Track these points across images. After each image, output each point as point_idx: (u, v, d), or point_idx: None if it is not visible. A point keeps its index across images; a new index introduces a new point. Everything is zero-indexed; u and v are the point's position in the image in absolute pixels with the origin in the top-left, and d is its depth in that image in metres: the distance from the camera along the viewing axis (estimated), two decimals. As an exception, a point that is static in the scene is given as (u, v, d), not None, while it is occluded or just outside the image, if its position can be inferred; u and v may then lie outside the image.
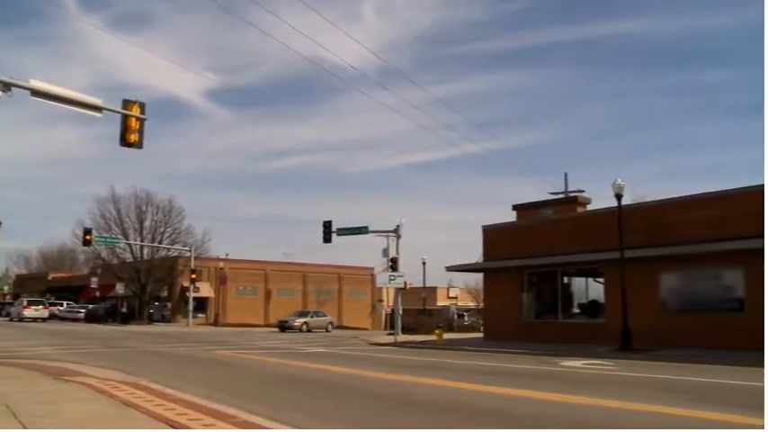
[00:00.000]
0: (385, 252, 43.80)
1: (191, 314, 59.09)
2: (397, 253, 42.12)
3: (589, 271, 29.18)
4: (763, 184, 22.77)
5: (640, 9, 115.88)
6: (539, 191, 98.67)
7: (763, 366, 16.89)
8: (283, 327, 49.43)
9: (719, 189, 24.25)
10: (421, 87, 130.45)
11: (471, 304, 72.00)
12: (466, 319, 60.48)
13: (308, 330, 49.57)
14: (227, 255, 67.35)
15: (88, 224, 61.53)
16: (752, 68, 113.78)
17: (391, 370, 17.24)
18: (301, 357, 21.62)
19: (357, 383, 14.23)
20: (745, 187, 23.31)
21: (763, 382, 11.75)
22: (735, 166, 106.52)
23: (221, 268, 64.93)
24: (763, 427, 6.83)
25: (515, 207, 33.73)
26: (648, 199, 33.03)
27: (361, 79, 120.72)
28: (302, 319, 51.20)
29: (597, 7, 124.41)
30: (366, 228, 42.98)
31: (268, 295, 72.28)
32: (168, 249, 65.41)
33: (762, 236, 21.41)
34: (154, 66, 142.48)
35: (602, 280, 27.67)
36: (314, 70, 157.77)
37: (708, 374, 15.45)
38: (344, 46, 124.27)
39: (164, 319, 64.17)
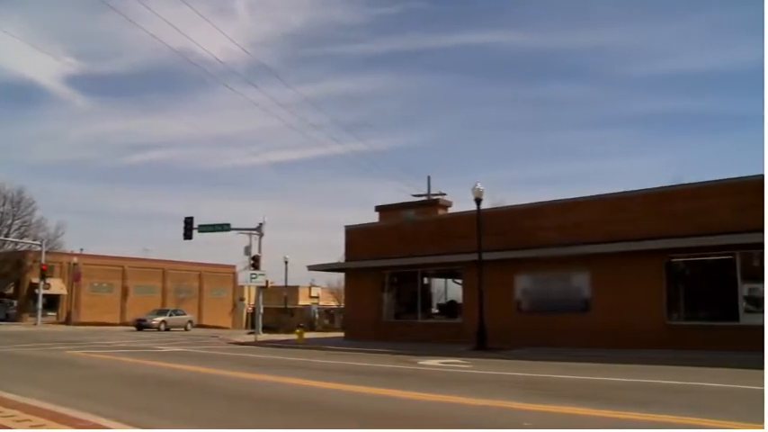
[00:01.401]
0: (247, 250, 43.25)
1: (39, 312, 55.39)
2: (260, 251, 41.66)
3: (448, 272, 29.94)
4: (609, 193, 24.35)
5: (506, 22, 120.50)
6: (402, 193, 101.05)
7: (598, 362, 17.99)
8: (141, 325, 47.91)
9: (570, 197, 25.60)
10: (290, 86, 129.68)
11: (333, 304, 72.11)
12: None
13: (167, 329, 48.36)
14: (81, 250, 64.22)
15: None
16: (604, 85, 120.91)
17: (250, 369, 16.94)
18: (158, 357, 20.92)
19: (214, 383, 13.86)
20: (593, 196, 24.84)
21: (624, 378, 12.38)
22: (584, 176, 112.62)
23: (75, 264, 61.79)
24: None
25: (378, 208, 34.07)
26: (506, 204, 34.46)
27: (229, 75, 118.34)
28: (160, 318, 49.83)
29: (465, 17, 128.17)
30: (228, 225, 42.24)
31: (125, 293, 69.41)
32: (16, 243, 61.14)
33: (606, 241, 22.85)
34: (7, 45, 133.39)
35: (460, 281, 28.43)
36: (182, 62, 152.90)
37: (557, 371, 16.06)
38: (214, 40, 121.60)
39: (8, 318, 59.82)
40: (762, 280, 20.65)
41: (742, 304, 20.60)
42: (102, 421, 7.68)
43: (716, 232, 20.59)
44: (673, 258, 22.41)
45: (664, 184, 24.95)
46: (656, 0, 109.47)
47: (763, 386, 12.36)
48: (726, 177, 21.93)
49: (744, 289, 20.71)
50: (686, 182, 26.19)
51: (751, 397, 11.29)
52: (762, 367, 15.82)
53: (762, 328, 19.82)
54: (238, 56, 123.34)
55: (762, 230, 19.66)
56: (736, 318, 20.58)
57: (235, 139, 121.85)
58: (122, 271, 69.96)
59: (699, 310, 22.20)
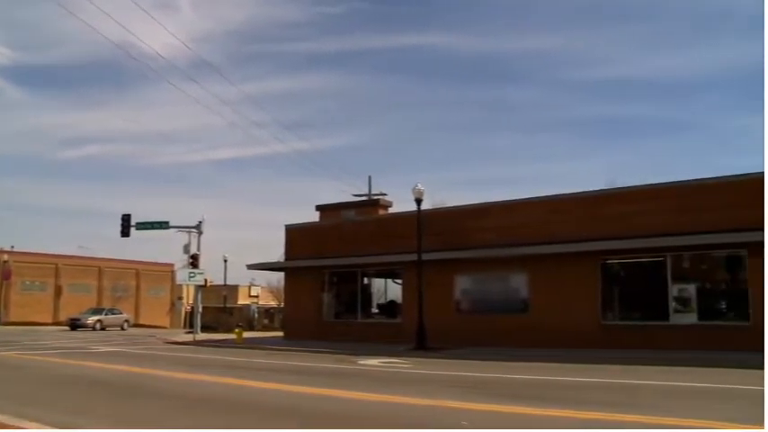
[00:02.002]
0: (186, 248, 42.50)
1: (-37, 311, 53.50)
2: (199, 250, 41.00)
3: (388, 272, 30.03)
4: (547, 196, 24.80)
5: (451, 25, 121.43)
6: (343, 193, 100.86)
7: (536, 361, 18.32)
8: (75, 325, 46.73)
9: (509, 199, 25.94)
10: (232, 83, 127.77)
11: (273, 303, 71.55)
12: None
13: (102, 329, 47.38)
14: (12, 247, 62.19)
15: None
16: (547, 90, 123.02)
17: (187, 369, 16.69)
18: (92, 357, 20.45)
19: (149, 383, 13.62)
20: (532, 198, 25.28)
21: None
22: (524, 178, 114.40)
23: (5, 261, 59.76)
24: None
25: (319, 207, 33.96)
26: (447, 205, 34.77)
27: (171, 70, 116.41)
28: (96, 317, 48.74)
29: (410, 19, 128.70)
30: (167, 223, 41.48)
31: (58, 291, 67.40)
32: (-60, 239, 58.94)
33: (544, 243, 23.28)
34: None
35: (400, 281, 28.55)
36: (122, 56, 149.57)
37: (496, 371, 16.26)
38: (156, 34, 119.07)
39: (-73, 318, 57.67)
40: (690, 281, 21.40)
41: (672, 304, 21.23)
42: (25, 423, 7.47)
43: (648, 235, 21.19)
44: (607, 260, 22.97)
45: (599, 188, 25.54)
46: (598, 9, 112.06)
47: (684, 383, 12.81)
48: (657, 182, 22.62)
49: (674, 290, 21.35)
50: (620, 185, 26.91)
51: (681, 394, 11.63)
52: (690, 364, 16.42)
53: (690, 327, 20.61)
54: (180, 51, 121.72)
55: (692, 233, 20.42)
56: (667, 317, 21.22)
57: (176, 136, 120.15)
58: (56, 269, 67.94)
59: (632, 310, 22.81)
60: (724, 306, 21.26)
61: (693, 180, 21.82)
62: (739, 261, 20.60)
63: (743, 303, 20.07)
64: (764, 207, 15.81)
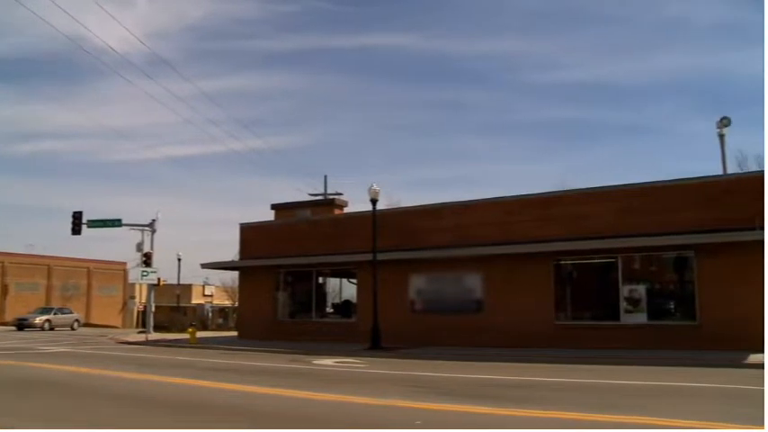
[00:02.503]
0: (139, 247, 41.89)
1: None
2: (152, 248, 40.47)
3: (343, 272, 29.98)
4: (502, 197, 25.03)
5: (409, 25, 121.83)
6: (299, 192, 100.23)
7: (491, 361, 18.47)
8: (22, 325, 45.65)
9: (464, 199, 26.09)
10: (187, 80, 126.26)
11: (227, 303, 70.96)
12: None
13: (51, 328, 46.36)
14: (-46, 244, 60.44)
15: None
16: (505, 92, 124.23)
17: (138, 369, 16.41)
18: (39, 358, 19.97)
19: (97, 383, 13.35)
20: (484, 199, 25.53)
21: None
22: (480, 179, 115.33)
23: (-53, 259, 58.22)
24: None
25: (274, 206, 33.76)
26: (402, 205, 34.86)
27: (125, 65, 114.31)
28: (44, 317, 47.66)
29: (368, 19, 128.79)
30: (120, 220, 40.77)
31: (4, 290, 65.62)
32: None
33: (498, 244, 23.49)
34: None
35: (355, 281, 28.53)
36: (74, 50, 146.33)
37: (450, 370, 16.37)
38: (110, 28, 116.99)
39: None
40: (640, 282, 21.81)
41: (623, 305, 21.60)
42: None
43: (600, 236, 21.54)
44: (561, 261, 23.26)
45: (553, 189, 25.86)
46: (557, 14, 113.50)
47: (634, 381, 13.03)
48: (609, 184, 23.01)
49: (624, 290, 21.72)
50: (573, 187, 27.29)
51: (633, 392, 11.81)
52: (640, 364, 16.71)
53: (639, 327, 20.99)
54: (135, 46, 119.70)
55: (641, 235, 20.81)
56: (618, 317, 21.58)
57: (130, 132, 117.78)
58: (2, 267, 66.19)
59: (584, 310, 23.17)
60: (672, 306, 21.72)
61: (644, 183, 22.25)
62: (687, 262, 21.07)
63: (690, 303, 20.57)
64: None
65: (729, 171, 26.48)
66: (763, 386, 10.57)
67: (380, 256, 24.13)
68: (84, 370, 16.17)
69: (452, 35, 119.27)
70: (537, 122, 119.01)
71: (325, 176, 48.89)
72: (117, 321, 68.51)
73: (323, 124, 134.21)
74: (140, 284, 49.14)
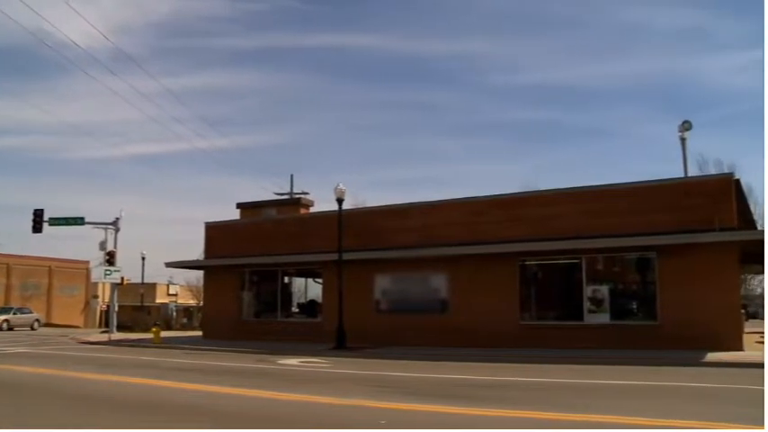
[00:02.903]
0: (102, 245, 41.30)
1: None
2: (115, 247, 39.95)
3: (309, 271, 29.89)
4: (468, 198, 25.15)
5: (377, 26, 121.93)
6: (265, 191, 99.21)
7: (455, 361, 18.55)
8: (-22, 325, 44.68)
9: (430, 200, 26.15)
10: (153, 77, 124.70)
11: (192, 302, 70.25)
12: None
13: (10, 329, 45.51)
14: None
15: None
16: (471, 93, 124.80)
17: (98, 369, 16.17)
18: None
19: (55, 384, 13.11)
20: (450, 199, 25.62)
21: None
22: (446, 180, 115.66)
23: None
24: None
25: (240, 205, 33.55)
26: (368, 205, 34.85)
27: (89, 61, 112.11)
28: (3, 317, 46.80)
29: (336, 19, 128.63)
30: (82, 219, 40.12)
31: (-39, 289, 64.44)
32: None
33: (463, 244, 23.59)
34: None
35: (320, 280, 28.44)
36: (36, 44, 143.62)
37: (415, 370, 16.36)
38: (73, 22, 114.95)
39: None
40: (603, 282, 22.06)
41: (586, 305, 21.83)
42: None
43: (564, 237, 21.76)
44: (525, 261, 23.43)
45: (520, 190, 26.05)
46: (522, 18, 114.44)
47: (601, 380, 13.19)
48: (574, 186, 23.23)
49: (588, 290, 21.95)
50: (538, 188, 27.54)
51: (600, 392, 11.94)
52: (605, 363, 16.90)
53: (602, 327, 21.24)
54: (99, 42, 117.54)
55: (605, 236, 21.06)
56: (581, 317, 21.80)
57: (93, 129, 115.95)
58: (-42, 266, 64.94)
59: (549, 310, 23.38)
60: (635, 306, 22.02)
61: (608, 185, 22.52)
62: (649, 263, 21.36)
63: (652, 304, 20.88)
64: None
65: (690, 174, 26.96)
66: (727, 385, 10.77)
67: (346, 256, 24.09)
68: (42, 370, 15.87)
69: (421, 36, 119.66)
70: (504, 124, 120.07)
71: (292, 176, 48.90)
72: (79, 321, 67.39)
73: (290, 123, 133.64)
74: (103, 283, 48.44)
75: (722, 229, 19.38)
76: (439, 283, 24.87)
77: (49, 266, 71.26)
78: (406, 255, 24.74)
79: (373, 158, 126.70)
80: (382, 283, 26.17)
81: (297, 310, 30.69)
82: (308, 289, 31.06)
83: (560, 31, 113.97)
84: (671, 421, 8.00)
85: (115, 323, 38.54)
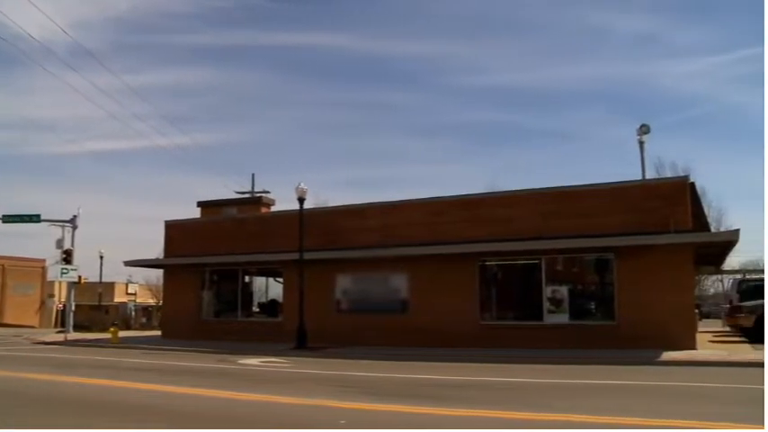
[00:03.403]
0: (59, 243, 40.50)
1: None
2: (73, 245, 39.19)
3: (270, 271, 29.71)
4: (429, 198, 25.26)
5: (339, 25, 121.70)
6: (226, 189, 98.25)
7: (417, 361, 18.62)
8: (-77, 326, 43.58)
9: (391, 200, 26.16)
10: (113, 73, 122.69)
11: (152, 301, 69.37)
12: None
13: (-40, 329, 44.39)
14: None
15: None
16: (432, 94, 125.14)
17: (52, 370, 15.87)
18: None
19: (2, 386, 12.87)
20: (411, 199, 25.70)
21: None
22: (408, 180, 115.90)
23: None
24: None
25: (200, 204, 33.27)
26: (330, 204, 34.78)
27: (46, 55, 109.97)
28: (-49, 317, 45.67)
29: (298, 17, 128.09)
30: (38, 216, 39.26)
31: None
32: None
33: (424, 244, 23.68)
34: None
35: (281, 280, 28.31)
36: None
37: (376, 370, 16.36)
38: (29, 15, 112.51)
39: None
40: (563, 283, 22.34)
41: (546, 305, 22.07)
42: None
43: (524, 238, 21.98)
44: (486, 261, 23.60)
45: (481, 191, 26.23)
46: (485, 19, 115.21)
47: (561, 379, 13.34)
48: (534, 187, 23.47)
49: (547, 291, 22.20)
50: (499, 189, 27.74)
51: (558, 390, 12.08)
52: (565, 363, 17.10)
53: (562, 327, 21.51)
54: (57, 36, 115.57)
55: (564, 237, 21.32)
56: (541, 318, 22.04)
57: (51, 125, 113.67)
58: None
59: (508, 310, 23.58)
60: (593, 307, 22.33)
61: (567, 186, 22.76)
62: (607, 264, 21.68)
63: (610, 304, 21.20)
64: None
65: (648, 177, 27.44)
66: (678, 382, 10.95)
67: (307, 256, 24.00)
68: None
69: (384, 36, 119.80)
70: (467, 125, 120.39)
71: (253, 174, 48.43)
72: (34, 321, 65.98)
73: (251, 122, 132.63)
74: (60, 283, 47.51)
75: (677, 231, 19.76)
76: (399, 283, 24.90)
77: (3, 265, 69.67)
78: (367, 255, 24.74)
79: (335, 158, 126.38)
80: (343, 282, 26.12)
81: (258, 309, 30.48)
82: (269, 288, 30.88)
83: (524, 33, 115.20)
84: (624, 419, 8.12)
85: (72, 323, 37.86)
